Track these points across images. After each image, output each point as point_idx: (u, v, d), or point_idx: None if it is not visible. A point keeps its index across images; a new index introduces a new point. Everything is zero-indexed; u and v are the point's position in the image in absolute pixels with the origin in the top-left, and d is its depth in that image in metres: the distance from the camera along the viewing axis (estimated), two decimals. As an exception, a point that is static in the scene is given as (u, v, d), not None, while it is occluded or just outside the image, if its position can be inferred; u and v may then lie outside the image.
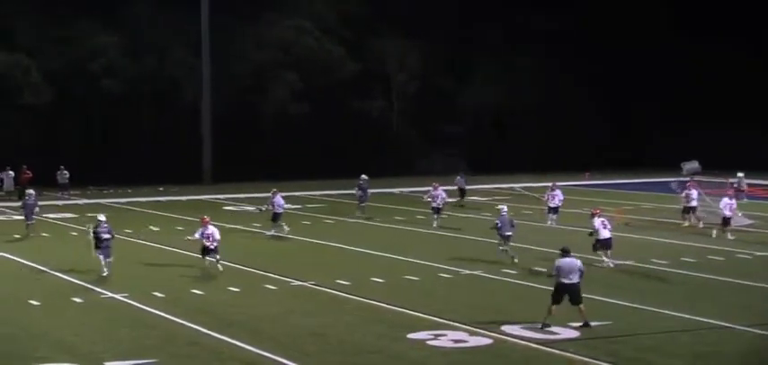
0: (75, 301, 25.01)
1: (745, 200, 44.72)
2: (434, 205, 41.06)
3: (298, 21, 69.91)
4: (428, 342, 20.27)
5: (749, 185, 48.36)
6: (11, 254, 33.12)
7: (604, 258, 29.67)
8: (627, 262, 30.23)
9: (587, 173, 62.58)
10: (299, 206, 47.91)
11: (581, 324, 21.18)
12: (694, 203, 39.97)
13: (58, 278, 28.39)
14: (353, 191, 46.29)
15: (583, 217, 37.35)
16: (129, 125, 65.97)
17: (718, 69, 72.64)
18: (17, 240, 36.61)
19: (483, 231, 35.15)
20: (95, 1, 65.21)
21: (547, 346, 19.93)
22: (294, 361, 18.95)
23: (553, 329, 21.09)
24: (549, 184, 42.53)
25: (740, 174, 47.13)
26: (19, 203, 44.78)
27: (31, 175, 55.09)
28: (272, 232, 37.25)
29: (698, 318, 22.35)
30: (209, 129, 65.55)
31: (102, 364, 18.84)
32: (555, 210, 40.61)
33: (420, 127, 73.77)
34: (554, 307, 21.23)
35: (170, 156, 62.70)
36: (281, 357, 19.18)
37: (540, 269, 29.15)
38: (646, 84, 76.55)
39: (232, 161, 64.24)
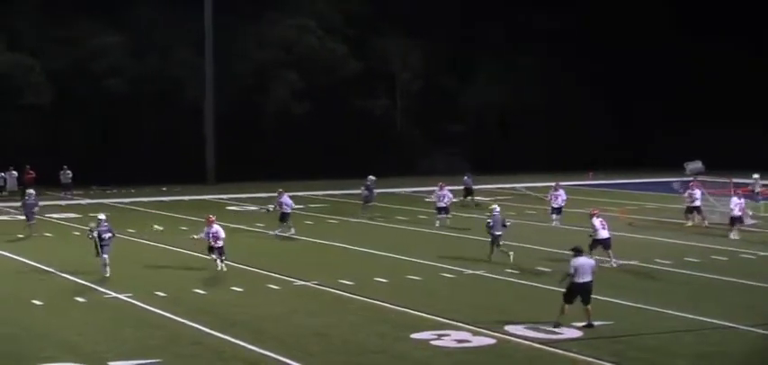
0: (78, 301, 25.02)
1: (762, 201, 44.33)
2: (440, 205, 40.95)
3: (300, 20, 69.92)
4: (431, 342, 20.26)
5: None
6: (14, 254, 33.13)
7: (607, 257, 29.61)
8: (630, 262, 30.20)
9: (591, 173, 62.53)
10: (301, 206, 47.88)
11: (585, 323, 21.16)
12: (698, 203, 39.89)
13: (62, 277, 28.39)
14: (359, 191, 46.24)
15: (587, 217, 37.22)
16: (132, 125, 66.00)
17: (719, 68, 72.60)
18: (20, 240, 36.61)
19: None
20: (98, 1, 65.24)
21: (550, 346, 19.91)
22: (297, 361, 18.94)
23: (556, 329, 21.06)
24: (553, 184, 42.46)
25: (756, 175, 46.70)
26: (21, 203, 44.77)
27: (34, 175, 55.16)
28: (278, 231, 37.18)
29: (702, 318, 22.32)
30: (212, 128, 65.58)
31: (106, 364, 18.84)
32: (558, 210, 40.55)
33: (423, 126, 73.75)
34: (567, 306, 21.22)
35: (173, 156, 62.72)
36: (285, 357, 19.17)
37: (543, 269, 29.19)
38: (647, 84, 76.52)
39: (235, 160, 64.27)
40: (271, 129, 69.22)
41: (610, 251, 29.86)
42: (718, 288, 26.64)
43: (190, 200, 53.78)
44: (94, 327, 21.97)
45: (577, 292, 21.23)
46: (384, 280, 27.43)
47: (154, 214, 46.46)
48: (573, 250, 21.82)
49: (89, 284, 26.88)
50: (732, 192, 40.03)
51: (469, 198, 49.21)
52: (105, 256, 27.87)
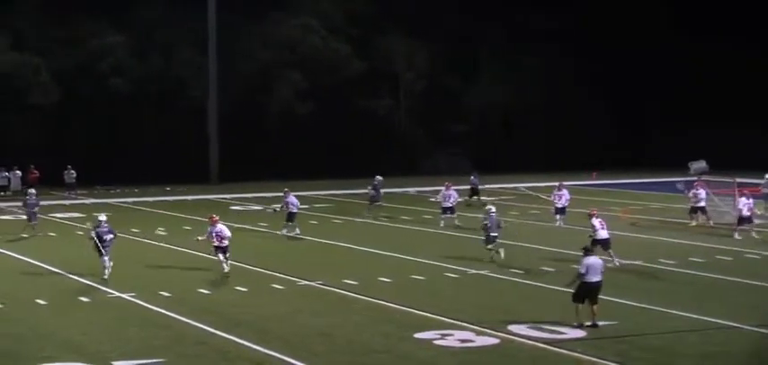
0: (82, 301, 25.05)
1: None
2: (446, 205, 40.86)
3: (304, 19, 69.94)
4: (435, 342, 20.26)
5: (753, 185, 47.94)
6: (18, 254, 33.17)
7: (608, 257, 29.61)
8: (634, 262, 30.18)
9: (594, 173, 62.51)
10: (306, 205, 47.80)
11: (589, 323, 21.16)
12: (703, 203, 39.83)
13: (66, 277, 28.41)
14: (366, 190, 46.20)
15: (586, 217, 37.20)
16: (136, 124, 66.04)
17: (718, 68, 72.57)
18: (24, 240, 36.64)
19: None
20: (103, 1, 65.32)
21: (554, 346, 19.91)
22: (302, 361, 18.94)
23: (560, 329, 21.08)
24: (556, 184, 42.43)
25: None
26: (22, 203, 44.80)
27: (38, 175, 55.26)
28: (285, 231, 37.12)
29: (706, 318, 22.31)
30: (216, 128, 65.61)
31: (110, 364, 18.86)
32: (562, 210, 40.49)
33: (426, 126, 73.73)
34: (580, 306, 21.21)
35: (177, 156, 62.75)
36: (289, 357, 19.18)
37: (547, 269, 29.19)
38: (648, 84, 76.46)
39: (239, 160, 64.30)
40: (274, 129, 69.23)
41: (610, 250, 29.85)
42: (722, 288, 26.63)
43: (194, 199, 53.80)
44: (98, 327, 21.99)
45: (587, 292, 21.23)
46: (388, 280, 27.44)
47: (158, 214, 46.53)
48: (584, 250, 21.85)
49: (93, 284, 26.89)
50: (736, 192, 39.98)
51: (475, 197, 49.15)
52: (106, 258, 27.59)
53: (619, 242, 31.75)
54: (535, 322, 21.66)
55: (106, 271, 27.42)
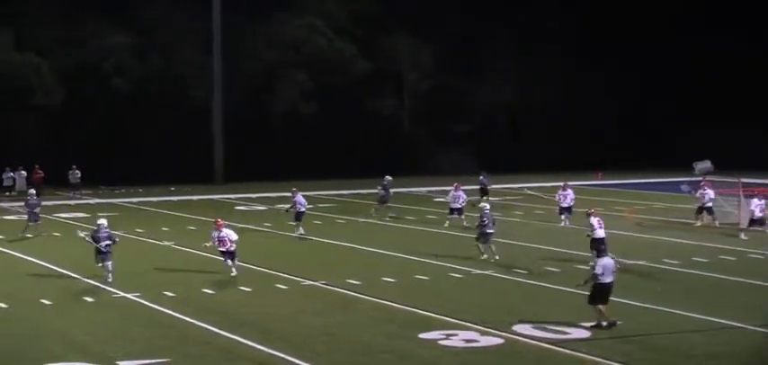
0: (87, 301, 25.08)
1: None
2: (455, 206, 40.75)
3: (309, 19, 69.93)
4: (439, 342, 20.26)
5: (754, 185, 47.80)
6: (23, 254, 33.21)
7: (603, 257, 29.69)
8: (639, 263, 30.15)
9: (600, 174, 62.47)
10: (310, 205, 47.73)
11: (594, 323, 21.15)
12: (710, 203, 39.76)
13: (70, 277, 28.42)
14: (375, 190, 46.12)
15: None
16: (141, 124, 66.05)
17: (721, 68, 72.56)
18: (28, 240, 36.68)
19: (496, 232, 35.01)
20: (106, 1, 65.37)
21: (559, 346, 19.90)
22: (305, 361, 18.95)
23: (565, 329, 21.07)
24: (561, 184, 42.39)
25: None
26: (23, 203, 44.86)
27: (43, 175, 55.34)
28: (301, 231, 36.99)
29: (710, 318, 22.29)
30: (220, 128, 65.65)
31: (115, 363, 18.87)
32: (568, 210, 40.45)
33: (431, 126, 73.72)
34: (601, 306, 21.19)
35: (181, 156, 62.78)
36: (293, 356, 19.19)
37: (551, 269, 29.18)
38: (652, 83, 76.39)
39: (243, 160, 64.32)
40: (279, 129, 69.25)
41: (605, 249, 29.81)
42: (726, 288, 26.61)
43: (198, 199, 53.84)
44: (103, 327, 22.01)
45: (602, 293, 21.20)
46: (392, 280, 27.44)
47: (162, 214, 46.57)
48: (596, 251, 21.80)
49: (98, 284, 26.90)
50: (741, 192, 39.93)
51: (485, 197, 49.06)
52: (108, 263, 27.32)
53: (624, 242, 31.77)
54: (540, 322, 21.64)
55: (109, 275, 27.25)
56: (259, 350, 19.80)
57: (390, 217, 43.69)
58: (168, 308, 23.79)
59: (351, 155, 67.43)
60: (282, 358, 19.19)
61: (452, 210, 40.77)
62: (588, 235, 30.30)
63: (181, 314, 23.12)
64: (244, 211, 47.50)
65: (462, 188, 41.99)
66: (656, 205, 48.71)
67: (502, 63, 75.21)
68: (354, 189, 57.24)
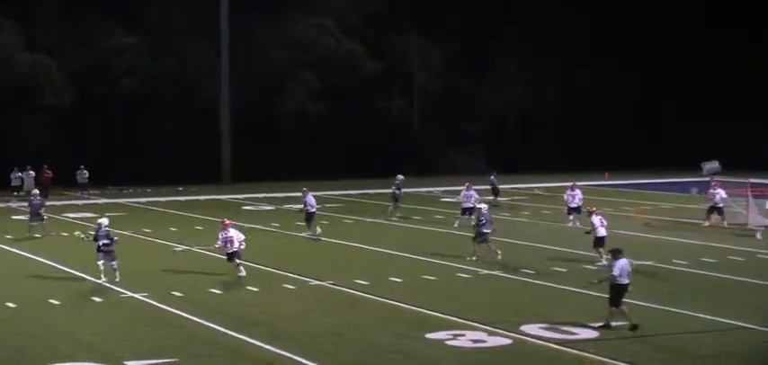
0: (95, 300, 25.12)
1: None
2: (466, 205, 40.56)
3: (318, 19, 69.95)
4: (447, 342, 20.26)
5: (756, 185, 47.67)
6: (31, 254, 33.26)
7: (601, 256, 29.79)
8: (647, 263, 30.09)
9: (607, 174, 62.42)
10: (318, 205, 47.86)
11: (602, 324, 21.14)
12: (721, 203, 39.67)
13: (78, 277, 28.47)
14: (389, 190, 46.07)
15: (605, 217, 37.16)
16: (149, 124, 66.20)
17: (731, 68, 72.47)
18: (37, 240, 36.75)
19: (503, 232, 35.02)
20: (115, 1, 65.49)
21: (566, 346, 19.88)
22: (313, 361, 18.96)
23: (572, 329, 21.06)
24: (569, 184, 42.35)
25: None
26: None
27: (51, 175, 55.44)
28: (309, 233, 36.99)
29: (718, 319, 22.26)
30: (229, 128, 65.71)
31: (123, 363, 18.91)
32: (576, 210, 40.38)
33: (441, 126, 73.71)
34: (623, 307, 21.19)
35: (189, 156, 62.91)
36: (300, 356, 19.20)
37: (559, 269, 29.16)
38: (660, 84, 76.34)
39: (251, 160, 64.38)
40: (287, 129, 69.30)
41: (602, 249, 29.88)
42: (734, 288, 26.56)
43: (206, 199, 53.89)
44: (111, 327, 22.05)
45: (619, 294, 21.17)
46: (399, 280, 27.44)
47: (170, 214, 46.62)
48: (612, 253, 21.78)
49: (106, 284, 26.94)
50: (749, 193, 39.84)
51: (495, 198, 49.05)
52: (113, 263, 27.32)
53: (632, 242, 31.69)
54: (547, 322, 21.63)
55: (117, 273, 27.33)
56: (267, 350, 19.82)
57: (398, 216, 43.69)
58: (176, 308, 23.82)
59: (359, 155, 67.44)
60: (290, 358, 19.21)
61: (464, 210, 40.64)
62: (587, 233, 30.35)
63: (189, 314, 23.15)
64: (251, 211, 47.54)
65: (474, 187, 41.93)
66: (664, 205, 48.64)
67: (511, 63, 75.17)
68: (362, 189, 57.24)
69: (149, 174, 60.97)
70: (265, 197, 53.77)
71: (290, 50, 69.34)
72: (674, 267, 29.66)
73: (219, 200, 53.70)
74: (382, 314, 23.31)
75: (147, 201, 52.58)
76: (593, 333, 20.78)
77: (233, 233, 28.21)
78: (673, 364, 19.06)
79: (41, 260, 31.86)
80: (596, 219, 30.48)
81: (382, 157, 65.39)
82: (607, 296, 21.44)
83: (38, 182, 52.96)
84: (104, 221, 28.28)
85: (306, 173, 57.08)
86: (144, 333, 21.38)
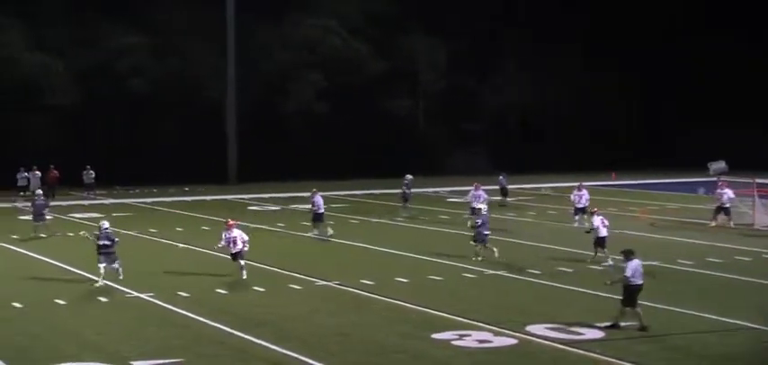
0: (101, 300, 25.15)
1: None
2: (475, 205, 40.48)
3: (324, 20, 69.94)
4: (452, 343, 20.25)
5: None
6: (37, 254, 33.33)
7: (601, 255, 29.79)
8: (652, 263, 30.02)
9: (613, 174, 62.36)
10: (324, 206, 47.88)
11: (609, 324, 21.10)
12: (728, 204, 39.61)
13: (85, 277, 28.49)
14: (399, 190, 46.05)
15: (612, 217, 37.12)
16: (155, 125, 66.24)
17: (719, 68, 72.38)
18: (42, 240, 36.81)
19: (508, 232, 35.03)
20: (121, 2, 65.56)
21: (572, 346, 19.86)
22: (319, 361, 18.96)
23: (578, 329, 21.04)
24: (576, 184, 42.32)
25: None
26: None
27: (58, 175, 55.50)
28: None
29: (724, 319, 22.22)
30: (235, 128, 65.75)
31: (129, 363, 18.93)
32: (582, 211, 40.32)
33: (447, 126, 73.68)
34: (635, 308, 21.18)
35: (195, 156, 62.94)
36: (306, 356, 19.20)
37: (564, 269, 29.13)
38: (665, 84, 76.25)
39: (257, 160, 64.39)
40: (293, 130, 69.31)
41: (605, 249, 29.86)
42: (741, 288, 26.51)
43: (212, 199, 53.93)
44: (117, 327, 22.08)
45: (632, 294, 21.15)
46: (405, 280, 27.44)
47: (176, 214, 46.66)
48: (624, 254, 21.73)
49: (112, 284, 26.96)
50: (755, 193, 39.78)
51: (504, 198, 49.04)
52: (114, 264, 27.33)
53: (638, 242, 31.58)
54: (553, 322, 21.61)
55: (120, 272, 27.36)
56: (273, 350, 19.83)
57: (407, 216, 43.71)
58: (182, 308, 23.84)
59: (365, 155, 67.42)
60: (296, 358, 19.21)
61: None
62: (587, 232, 30.36)
63: (195, 314, 23.17)
64: (257, 211, 47.55)
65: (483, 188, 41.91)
66: (670, 205, 48.56)
67: (511, 63, 75.16)
68: (368, 189, 57.23)
69: (155, 175, 61.03)
70: (271, 197, 53.78)
71: (295, 51, 69.33)
72: (679, 267, 29.61)
73: (225, 200, 53.73)
74: (388, 314, 23.31)
75: (153, 201, 52.64)
76: (599, 333, 20.76)
77: (236, 233, 28.22)
78: (679, 364, 19.02)
79: (47, 260, 31.91)
80: (598, 219, 30.53)
81: (388, 158, 65.39)
82: (619, 297, 21.40)
83: (44, 182, 53.06)
84: (105, 223, 28.28)
85: (312, 174, 57.11)
86: (150, 332, 21.40)
